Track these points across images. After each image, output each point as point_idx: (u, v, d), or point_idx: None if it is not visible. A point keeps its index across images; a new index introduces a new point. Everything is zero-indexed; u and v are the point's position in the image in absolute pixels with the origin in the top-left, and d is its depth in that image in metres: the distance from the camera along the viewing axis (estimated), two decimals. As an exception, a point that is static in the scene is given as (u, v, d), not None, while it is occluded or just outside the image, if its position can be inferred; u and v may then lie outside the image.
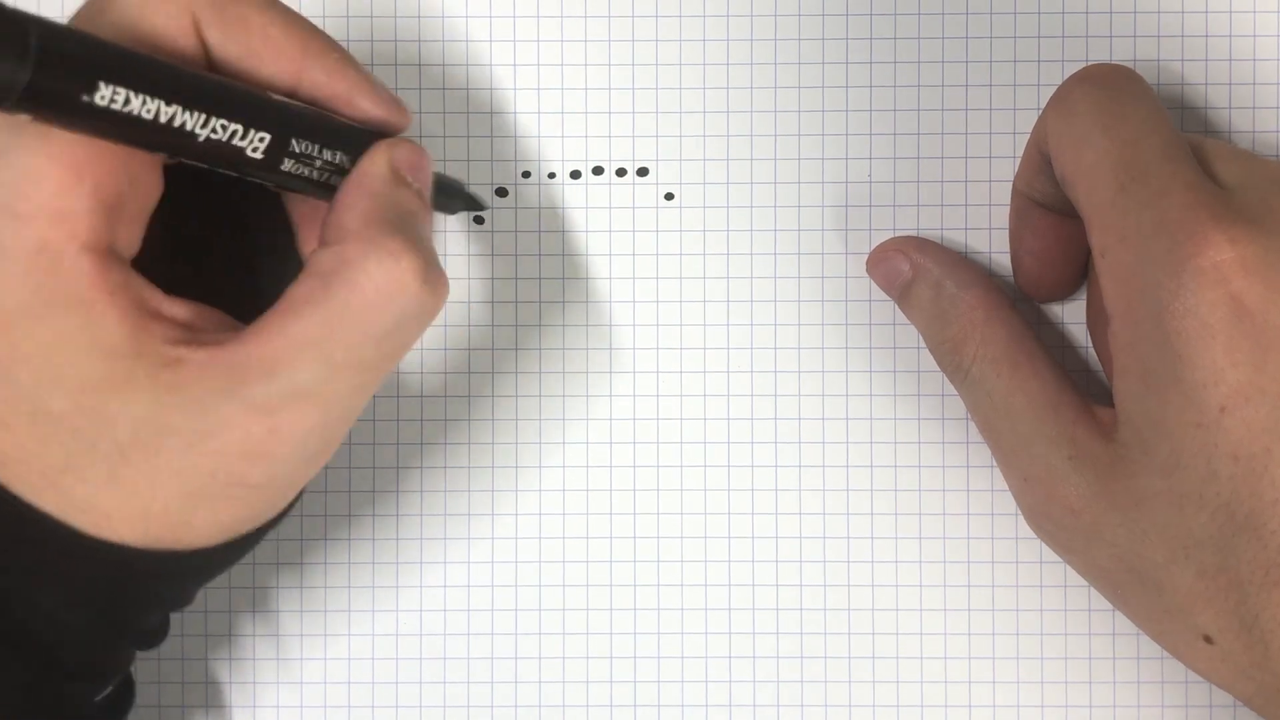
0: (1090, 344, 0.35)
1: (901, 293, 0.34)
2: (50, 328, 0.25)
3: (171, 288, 0.27)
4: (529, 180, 0.36)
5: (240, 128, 0.26)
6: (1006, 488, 0.34)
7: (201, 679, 0.36)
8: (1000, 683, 0.36)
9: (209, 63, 0.27)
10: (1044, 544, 0.34)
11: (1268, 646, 0.28)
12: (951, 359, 0.33)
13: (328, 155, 0.28)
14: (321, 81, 0.28)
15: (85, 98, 0.23)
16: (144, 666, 0.36)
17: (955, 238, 0.35)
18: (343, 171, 0.28)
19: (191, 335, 0.26)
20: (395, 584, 0.36)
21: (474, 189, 0.35)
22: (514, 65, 0.36)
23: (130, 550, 0.27)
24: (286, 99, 0.28)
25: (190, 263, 0.30)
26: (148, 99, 0.24)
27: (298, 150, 0.27)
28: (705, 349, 0.36)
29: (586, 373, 0.36)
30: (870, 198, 0.35)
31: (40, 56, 0.22)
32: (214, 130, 0.26)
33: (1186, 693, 0.35)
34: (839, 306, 0.36)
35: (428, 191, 0.29)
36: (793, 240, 0.36)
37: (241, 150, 0.26)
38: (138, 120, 0.24)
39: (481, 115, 0.36)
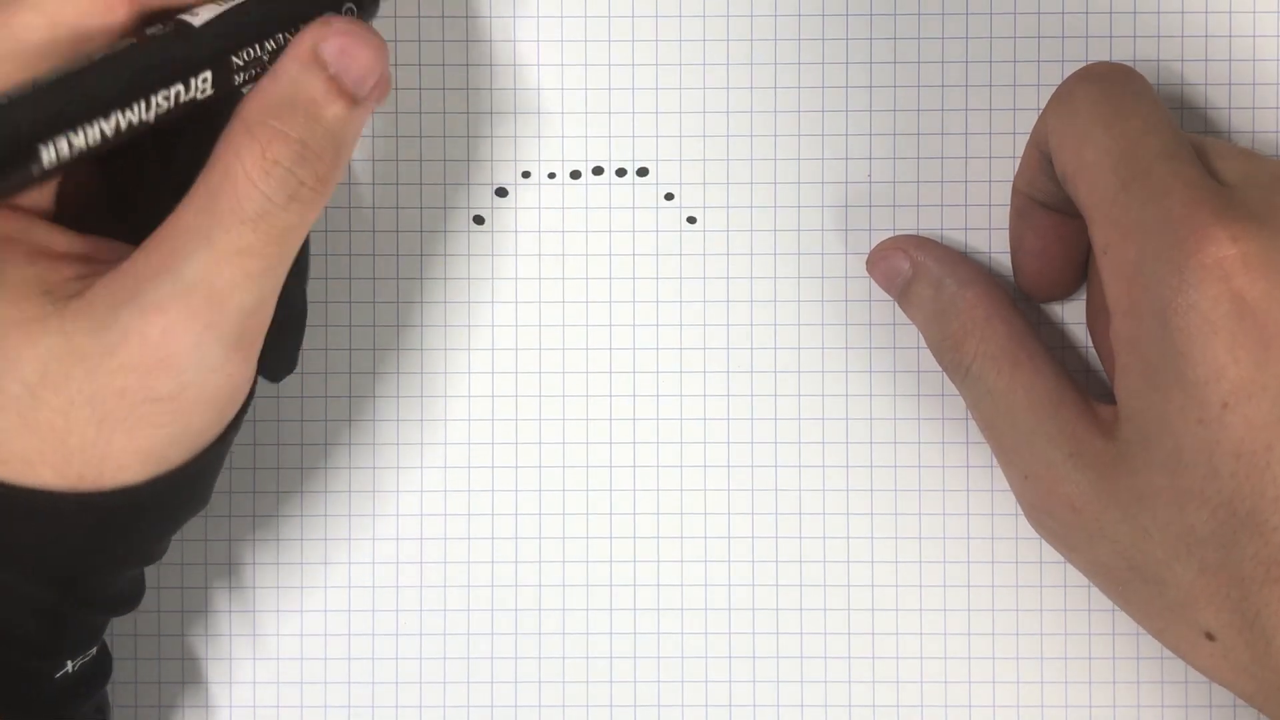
0: (1090, 343, 0.35)
1: (902, 291, 0.34)
2: None
3: (99, 225, 0.27)
4: (529, 180, 0.36)
5: (179, 88, 0.26)
6: (1006, 487, 0.34)
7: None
8: (1000, 683, 0.36)
9: None
10: (1044, 543, 0.34)
11: (1269, 644, 0.28)
12: (952, 357, 0.33)
13: (271, 45, 0.27)
14: None
15: (36, 170, 0.23)
16: (120, 642, 0.36)
17: (955, 238, 0.35)
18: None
19: (98, 269, 0.27)
20: (395, 584, 0.36)
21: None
22: (514, 65, 0.36)
23: (55, 495, 0.27)
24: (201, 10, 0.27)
25: (120, 196, 0.30)
26: (86, 129, 0.24)
27: (244, 62, 0.27)
28: (705, 349, 0.36)
29: (586, 373, 0.36)
30: (870, 198, 0.35)
31: None
32: (157, 106, 0.25)
33: (1186, 693, 0.35)
34: (839, 306, 0.36)
35: (361, 84, 0.27)
36: (793, 240, 0.36)
37: (192, 99, 0.26)
38: (87, 150, 0.24)
39: (481, 115, 0.36)
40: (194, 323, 0.26)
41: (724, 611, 0.36)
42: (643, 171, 0.36)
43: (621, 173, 0.36)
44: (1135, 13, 0.35)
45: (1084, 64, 0.32)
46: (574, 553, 0.36)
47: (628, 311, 0.36)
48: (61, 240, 0.27)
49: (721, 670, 0.36)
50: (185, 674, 0.36)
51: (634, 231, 0.36)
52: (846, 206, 0.36)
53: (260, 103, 0.27)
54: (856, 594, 0.36)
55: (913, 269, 0.34)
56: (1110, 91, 0.30)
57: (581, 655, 0.36)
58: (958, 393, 0.34)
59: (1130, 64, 0.34)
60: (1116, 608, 0.35)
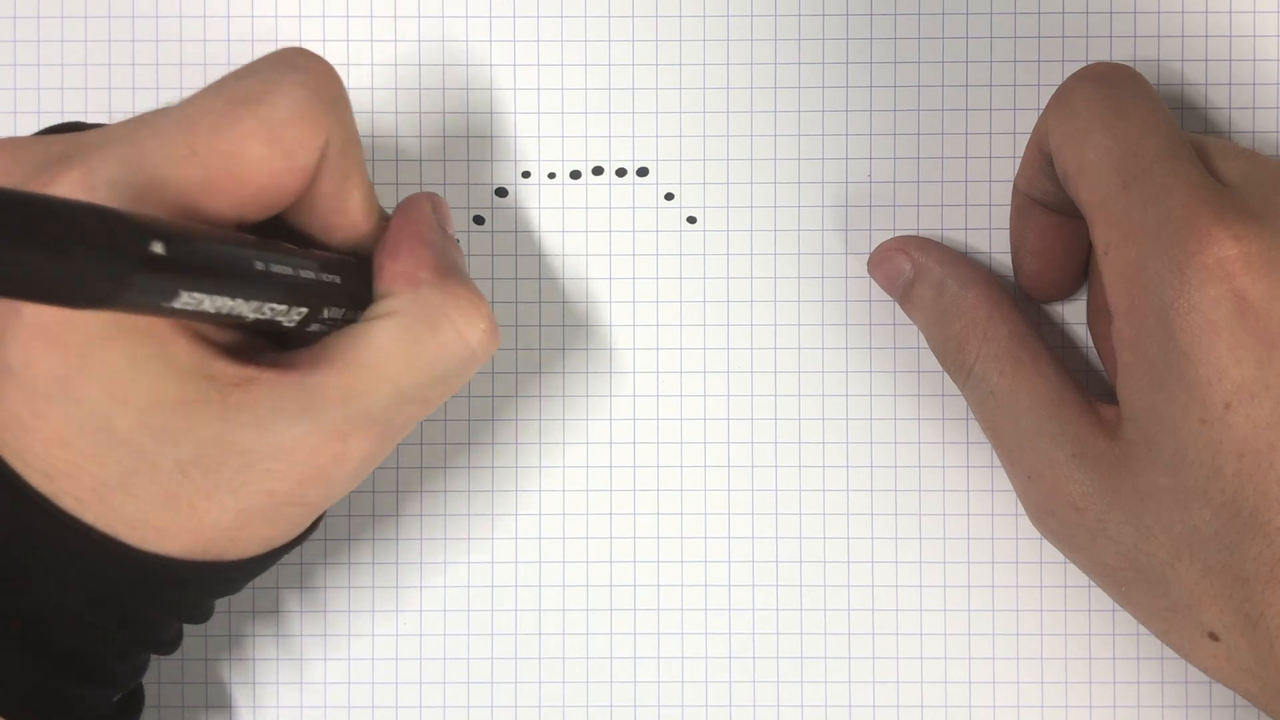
0: (1091, 343, 0.35)
1: (903, 292, 0.34)
2: (121, 352, 0.25)
3: None
4: (529, 180, 0.36)
5: (285, 308, 0.27)
6: (1007, 488, 0.34)
7: (202, 679, 0.36)
8: (1000, 683, 0.36)
9: (299, 195, 0.28)
10: (1045, 544, 0.34)
11: (1273, 643, 0.28)
12: (954, 358, 0.33)
13: (349, 316, 0.29)
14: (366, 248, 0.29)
15: (165, 304, 0.23)
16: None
17: (955, 238, 0.35)
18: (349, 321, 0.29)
19: (256, 356, 0.27)
20: (395, 584, 0.36)
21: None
22: (514, 65, 0.36)
23: (175, 562, 0.27)
24: (324, 274, 0.28)
25: None
26: (218, 299, 0.25)
27: (326, 316, 0.28)
28: (705, 349, 0.36)
29: (586, 373, 0.36)
30: (870, 198, 0.35)
31: (143, 270, 0.22)
32: (262, 313, 0.26)
33: (1186, 693, 0.35)
34: (839, 306, 0.36)
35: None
36: (793, 240, 0.36)
37: (279, 323, 0.27)
38: (201, 313, 0.25)
39: (481, 115, 0.36)
40: (364, 452, 0.28)
41: (724, 612, 0.36)
42: (643, 171, 0.36)
43: (621, 173, 0.36)
44: (1135, 13, 0.35)
45: (1084, 64, 0.32)
46: (574, 553, 0.36)
47: (628, 311, 0.36)
48: (215, 332, 0.27)
49: (721, 670, 0.36)
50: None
51: (634, 231, 0.36)
52: (846, 206, 0.36)
53: (433, 267, 0.28)
54: (857, 594, 0.36)
55: (914, 270, 0.34)
56: (1111, 92, 0.30)
57: (582, 655, 0.36)
58: (958, 393, 0.34)
59: (1130, 64, 0.34)
60: (1117, 608, 0.35)
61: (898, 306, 0.35)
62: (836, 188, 0.36)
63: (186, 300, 0.24)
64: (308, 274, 0.27)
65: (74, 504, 0.26)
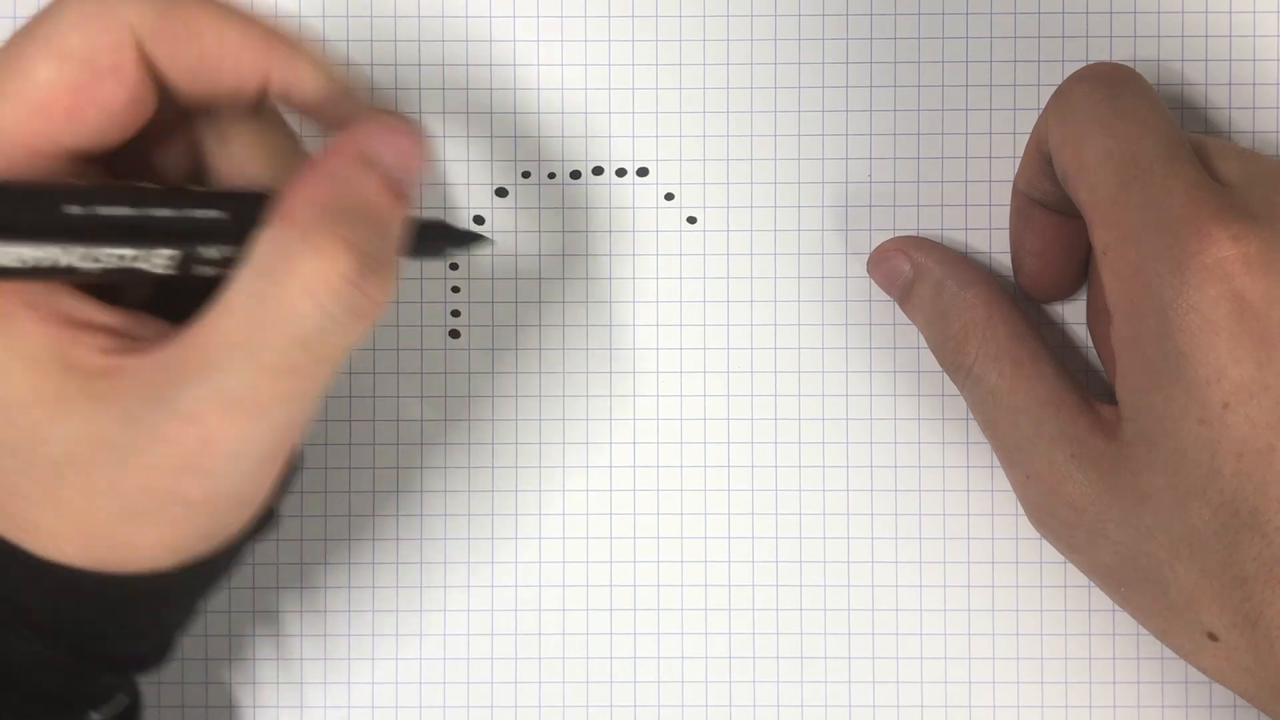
0: (1091, 343, 0.35)
1: (903, 292, 0.34)
2: None
3: (118, 295, 0.26)
4: (529, 180, 0.36)
5: (133, 252, 0.24)
6: (1007, 488, 0.34)
7: (202, 679, 0.36)
8: (1000, 683, 0.36)
9: (156, 81, 0.26)
10: (1045, 544, 0.34)
11: (1272, 643, 0.28)
12: (953, 358, 0.33)
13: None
14: (291, 82, 0.26)
15: None
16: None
17: (955, 238, 0.35)
18: None
19: (127, 344, 0.25)
20: (395, 584, 0.36)
21: (468, 223, 0.35)
22: (514, 65, 0.36)
23: (78, 572, 0.26)
24: (217, 190, 0.26)
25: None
26: (22, 249, 0.23)
27: (213, 256, 0.25)
28: (705, 349, 0.36)
29: (586, 373, 0.36)
30: (870, 198, 0.35)
31: None
32: (98, 260, 0.24)
33: (1187, 693, 0.35)
34: (839, 306, 0.36)
35: (407, 177, 0.26)
36: (793, 240, 0.36)
37: (144, 270, 0.25)
38: (20, 271, 0.23)
39: (481, 115, 0.36)
40: (231, 435, 0.25)
41: (724, 612, 0.36)
42: (643, 171, 0.36)
43: (621, 173, 0.36)
44: (1135, 13, 0.35)
45: (1084, 64, 0.32)
46: (574, 553, 0.36)
47: (628, 311, 0.36)
48: (88, 310, 0.25)
49: (721, 670, 0.36)
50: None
51: (634, 231, 0.36)
52: (846, 206, 0.36)
53: (312, 205, 0.25)
54: (856, 594, 0.36)
55: (913, 270, 0.34)
56: (1110, 92, 0.30)
57: (582, 655, 0.36)
58: (958, 393, 0.34)
59: (1130, 64, 0.34)
60: (1117, 608, 0.35)
61: (898, 306, 0.35)
62: (836, 188, 0.36)
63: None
64: (163, 212, 0.25)
65: None
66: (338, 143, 0.26)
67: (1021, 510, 0.33)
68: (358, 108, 0.27)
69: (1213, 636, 0.29)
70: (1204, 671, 0.30)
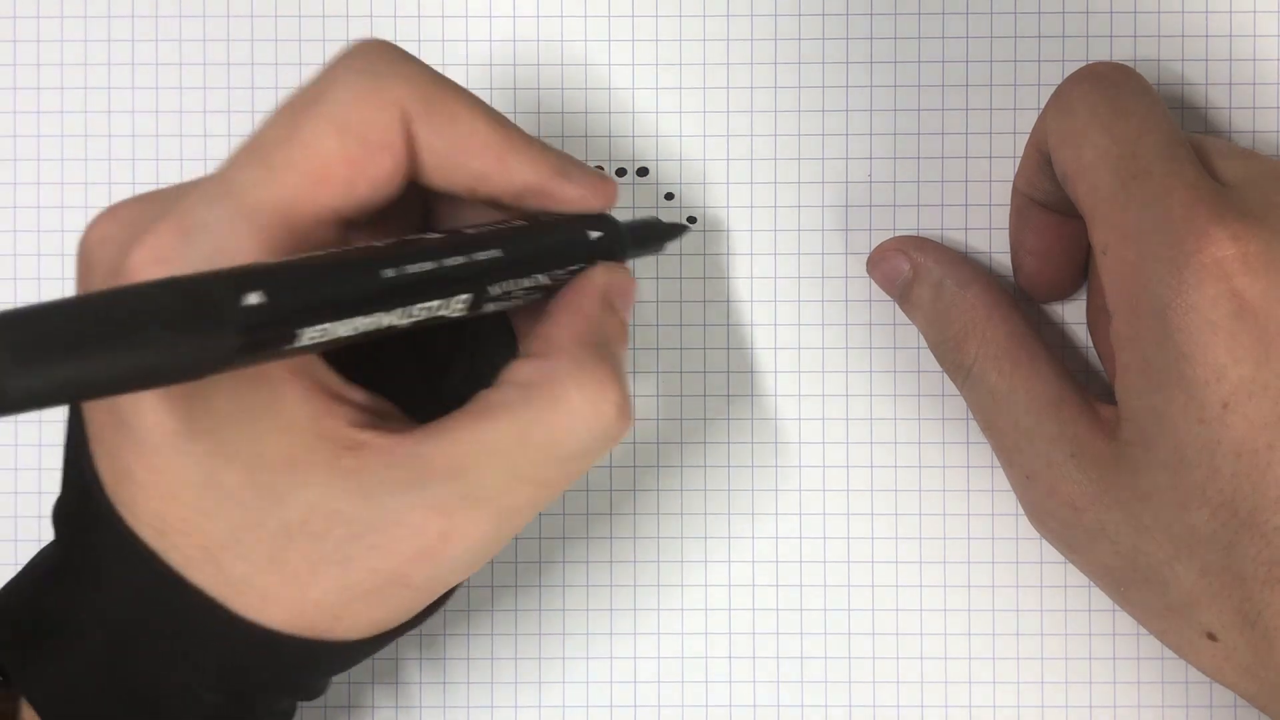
0: (1090, 343, 0.35)
1: (902, 292, 0.34)
2: (230, 401, 0.25)
3: (350, 376, 0.27)
4: (529, 180, 0.36)
5: (438, 303, 0.25)
6: (1007, 487, 0.34)
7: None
8: (1000, 683, 0.36)
9: (414, 156, 0.27)
10: (1045, 543, 0.34)
11: (1271, 644, 0.28)
12: (953, 358, 0.33)
13: (527, 283, 0.28)
14: (525, 170, 0.28)
15: (289, 347, 0.23)
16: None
17: (955, 238, 0.35)
18: (545, 289, 0.28)
19: (373, 420, 0.26)
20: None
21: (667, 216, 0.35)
22: (513, 65, 0.36)
23: (279, 635, 0.26)
24: (481, 230, 0.27)
25: (373, 353, 0.28)
26: (349, 322, 0.24)
27: (495, 293, 0.27)
28: (705, 349, 0.36)
29: (586, 373, 0.36)
30: (870, 198, 0.35)
31: (244, 330, 0.22)
32: (413, 315, 0.25)
33: (1186, 693, 0.35)
34: (839, 306, 0.36)
35: (630, 320, 0.29)
36: (793, 240, 0.36)
37: (444, 316, 0.26)
38: (338, 340, 0.24)
39: (481, 115, 0.36)
40: (472, 532, 0.26)
41: (724, 611, 0.36)
42: (643, 171, 0.36)
43: (621, 173, 0.36)
44: (1135, 13, 0.35)
45: (1084, 64, 0.32)
46: (574, 553, 0.36)
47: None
48: (338, 382, 0.26)
49: (722, 670, 0.36)
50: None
51: (634, 231, 0.36)
52: (846, 206, 0.36)
53: (576, 338, 0.27)
54: (857, 594, 0.36)
55: (913, 270, 0.34)
56: (1110, 91, 0.30)
57: (582, 656, 0.36)
58: (958, 393, 0.34)
59: (1130, 64, 0.34)
60: (1117, 608, 0.35)
61: (898, 306, 0.35)
62: (836, 188, 0.36)
63: (312, 335, 0.23)
64: (454, 260, 0.26)
65: (182, 561, 0.25)
66: (583, 284, 0.28)
67: (1021, 510, 0.33)
68: (582, 189, 0.29)
69: (1212, 636, 0.29)
70: (1204, 671, 0.30)
